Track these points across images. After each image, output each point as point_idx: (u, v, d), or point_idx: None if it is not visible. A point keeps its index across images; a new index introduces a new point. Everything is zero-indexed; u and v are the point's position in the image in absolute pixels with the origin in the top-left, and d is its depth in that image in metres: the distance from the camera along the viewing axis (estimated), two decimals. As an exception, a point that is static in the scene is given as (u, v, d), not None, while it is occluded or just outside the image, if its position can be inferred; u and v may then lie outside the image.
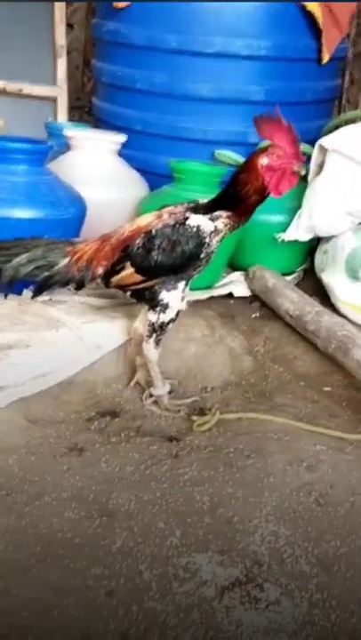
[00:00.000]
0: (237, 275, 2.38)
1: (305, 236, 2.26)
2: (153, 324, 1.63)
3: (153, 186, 2.35)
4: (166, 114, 2.52)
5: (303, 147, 2.25)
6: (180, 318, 1.68)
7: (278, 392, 1.88)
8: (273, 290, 2.19)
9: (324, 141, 2.11)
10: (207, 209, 1.59)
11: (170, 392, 1.74)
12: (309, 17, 2.38)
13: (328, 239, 2.28)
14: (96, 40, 2.84)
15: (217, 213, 1.57)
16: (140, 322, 1.73)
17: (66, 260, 1.64)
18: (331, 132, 2.31)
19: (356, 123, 2.24)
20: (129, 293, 1.71)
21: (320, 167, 2.19)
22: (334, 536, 1.28)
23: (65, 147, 2.36)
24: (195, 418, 1.68)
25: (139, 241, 1.59)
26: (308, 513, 1.34)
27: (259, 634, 1.05)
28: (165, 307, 1.61)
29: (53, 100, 2.98)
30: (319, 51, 2.47)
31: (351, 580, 1.18)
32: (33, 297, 1.75)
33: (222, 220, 1.57)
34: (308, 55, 2.47)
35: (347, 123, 2.28)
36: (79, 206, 1.98)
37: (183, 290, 1.62)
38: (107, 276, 1.65)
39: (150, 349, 1.66)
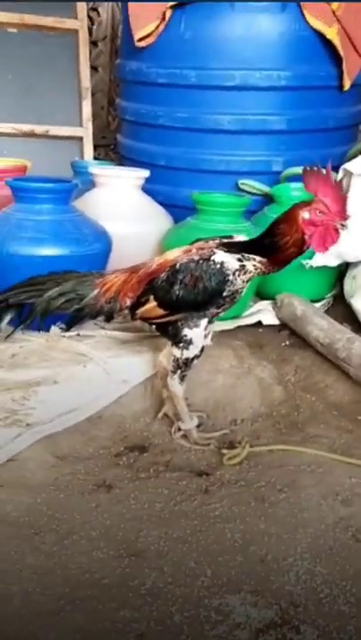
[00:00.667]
0: (265, 303, 2.35)
1: (333, 262, 2.23)
2: (177, 359, 1.62)
3: (178, 219, 2.37)
4: (189, 147, 2.55)
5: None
6: (207, 349, 1.67)
7: (311, 422, 1.83)
8: (302, 317, 2.16)
9: (350, 166, 2.10)
10: (240, 248, 1.56)
11: (198, 425, 1.72)
12: (329, 45, 2.39)
13: (357, 264, 2.25)
14: (120, 80, 2.91)
15: (250, 256, 1.54)
16: (165, 355, 1.72)
17: (95, 292, 1.64)
18: (355, 156, 2.30)
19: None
20: (154, 327, 1.71)
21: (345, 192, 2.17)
22: (373, 574, 1.22)
23: (90, 184, 2.41)
24: (225, 451, 1.65)
25: (164, 274, 1.58)
26: (346, 550, 1.28)
27: None
28: (189, 343, 1.59)
29: (80, 140, 3.06)
30: (340, 77, 2.47)
31: (393, 621, 1.12)
32: (65, 331, 1.77)
33: (254, 262, 1.54)
34: (330, 83, 2.48)
35: (369, 148, 2.27)
36: (104, 241, 2.00)
37: (206, 327, 1.60)
38: (133, 308, 1.65)
39: (175, 385, 1.64)
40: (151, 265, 1.65)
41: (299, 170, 2.43)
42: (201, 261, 1.54)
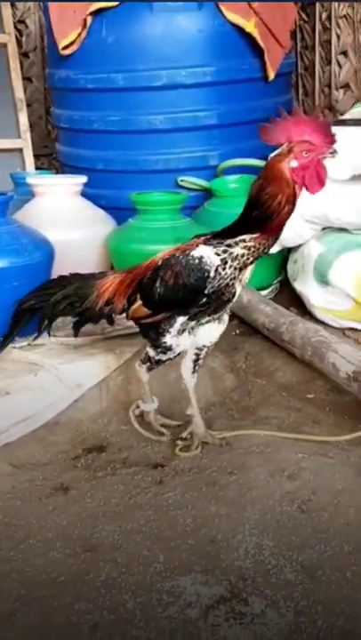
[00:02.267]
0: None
1: (273, 249, 2.28)
2: (150, 357, 1.62)
3: (122, 221, 2.41)
4: (126, 149, 2.59)
5: (258, 162, 2.31)
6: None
7: (262, 405, 1.88)
8: (248, 306, 2.21)
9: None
10: (227, 235, 1.47)
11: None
12: (249, 38, 2.45)
13: (296, 249, 2.31)
14: (51, 89, 2.93)
15: (236, 240, 1.44)
16: (140, 402, 1.77)
17: (94, 295, 1.64)
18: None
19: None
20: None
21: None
22: (318, 541, 1.28)
23: (31, 194, 2.43)
24: (179, 442, 1.69)
25: (149, 273, 1.54)
26: (292, 521, 1.33)
27: (244, 649, 1.05)
28: (167, 349, 1.58)
29: (20, 151, 3.07)
30: (264, 69, 2.53)
31: (336, 582, 1.18)
32: (75, 336, 1.77)
33: (244, 244, 1.44)
34: (254, 75, 2.54)
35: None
36: (45, 250, 2.03)
37: (189, 331, 1.57)
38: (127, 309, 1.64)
39: (142, 372, 1.67)
40: (145, 264, 1.60)
41: (234, 162, 2.50)
42: (180, 257, 1.48)
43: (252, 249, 1.45)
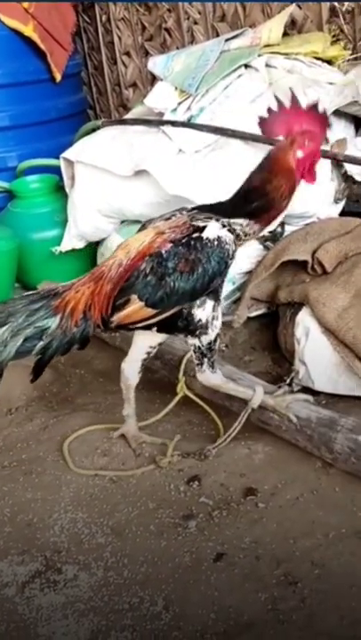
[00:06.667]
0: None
1: (79, 244, 2.39)
2: (199, 347, 1.41)
3: None
4: None
5: (55, 162, 2.39)
6: None
7: (80, 394, 1.99)
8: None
9: (67, 154, 2.25)
10: (217, 212, 1.36)
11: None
12: (30, 41, 2.51)
13: (102, 243, 2.43)
14: None
15: (233, 220, 1.35)
16: (127, 362, 1.58)
17: (57, 319, 1.33)
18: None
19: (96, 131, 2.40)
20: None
21: (73, 179, 2.33)
22: (127, 504, 1.41)
23: None
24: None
25: (144, 267, 1.33)
26: (104, 492, 1.46)
27: (57, 611, 1.15)
28: (205, 326, 1.39)
29: None
30: (50, 70, 2.61)
31: (141, 536, 1.32)
32: (33, 380, 1.42)
33: (242, 228, 1.36)
34: (41, 77, 2.61)
35: (89, 133, 2.44)
36: None
37: (214, 308, 1.40)
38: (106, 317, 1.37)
39: (209, 376, 1.44)
40: (120, 263, 1.37)
41: (32, 162, 2.55)
42: (192, 242, 1.31)
43: (247, 235, 1.37)
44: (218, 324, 1.41)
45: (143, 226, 1.46)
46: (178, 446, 1.58)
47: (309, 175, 1.38)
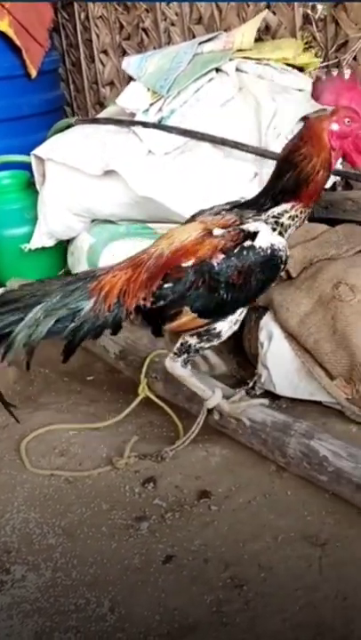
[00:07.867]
0: (-3, 291, 2.44)
1: (49, 242, 2.38)
2: (190, 345, 1.39)
3: None
4: None
5: (26, 158, 2.38)
6: None
7: (43, 392, 1.99)
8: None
9: (38, 151, 2.24)
10: (265, 206, 1.31)
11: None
12: (5, 37, 2.49)
13: (71, 241, 2.43)
14: None
15: (278, 210, 1.31)
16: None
17: (91, 302, 1.32)
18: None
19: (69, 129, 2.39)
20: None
21: (44, 176, 2.32)
22: (80, 505, 1.42)
23: None
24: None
25: (194, 278, 1.30)
26: (58, 492, 1.46)
27: (2, 611, 1.15)
28: (215, 336, 1.38)
29: None
30: (26, 66, 2.60)
31: (93, 537, 1.33)
32: (64, 361, 1.41)
33: (289, 214, 1.31)
34: (15, 72, 2.59)
35: (62, 130, 2.43)
36: None
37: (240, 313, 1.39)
38: (149, 317, 1.36)
39: (176, 367, 1.43)
40: (161, 253, 1.34)
41: (3, 158, 2.54)
42: (245, 251, 1.28)
43: (296, 218, 1.32)
44: (226, 336, 1.40)
45: (193, 218, 1.42)
46: (136, 447, 1.59)
47: (355, 158, 1.32)
